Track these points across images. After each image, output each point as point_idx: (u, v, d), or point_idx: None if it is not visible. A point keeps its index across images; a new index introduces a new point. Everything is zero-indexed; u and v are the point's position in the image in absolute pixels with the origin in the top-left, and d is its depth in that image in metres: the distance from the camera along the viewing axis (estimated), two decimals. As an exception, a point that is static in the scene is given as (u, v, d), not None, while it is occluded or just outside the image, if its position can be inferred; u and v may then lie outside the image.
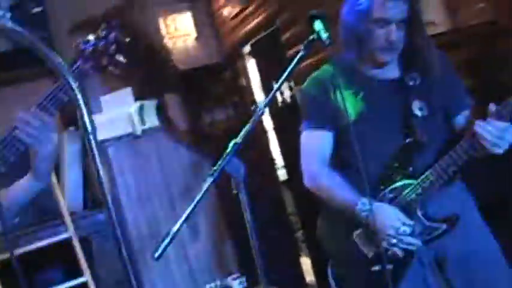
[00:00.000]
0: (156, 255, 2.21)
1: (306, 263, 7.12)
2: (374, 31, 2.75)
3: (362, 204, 2.69)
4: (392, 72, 2.91)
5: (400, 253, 2.72)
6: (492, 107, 2.62)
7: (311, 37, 2.53)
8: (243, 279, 5.08)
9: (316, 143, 2.94)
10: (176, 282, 5.08)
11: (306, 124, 2.99)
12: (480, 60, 3.74)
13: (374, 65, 2.87)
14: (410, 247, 2.72)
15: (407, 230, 2.68)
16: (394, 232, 2.67)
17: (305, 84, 3.03)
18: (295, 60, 2.55)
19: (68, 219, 4.79)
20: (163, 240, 2.23)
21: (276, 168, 7.44)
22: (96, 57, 2.21)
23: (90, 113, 1.53)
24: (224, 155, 2.31)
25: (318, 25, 2.50)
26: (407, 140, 2.81)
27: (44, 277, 4.96)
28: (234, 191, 2.32)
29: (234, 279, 5.07)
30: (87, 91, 4.58)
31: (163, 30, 6.98)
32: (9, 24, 1.59)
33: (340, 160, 2.93)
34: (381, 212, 2.66)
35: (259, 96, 7.23)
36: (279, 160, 7.34)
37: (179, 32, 7.05)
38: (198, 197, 2.28)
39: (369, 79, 2.88)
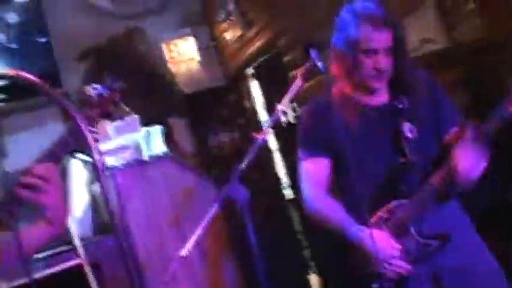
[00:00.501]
0: (166, 279, 2.30)
1: (314, 281, 7.19)
2: (363, 60, 2.86)
3: (353, 231, 2.81)
4: (382, 97, 3.01)
5: (393, 275, 2.82)
6: (469, 131, 2.74)
7: (307, 65, 2.65)
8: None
9: (312, 170, 3.05)
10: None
11: (302, 153, 3.11)
12: (475, 77, 3.82)
13: (365, 91, 2.98)
14: (401, 270, 2.81)
15: (396, 253, 2.79)
16: (384, 257, 2.77)
17: (300, 113, 3.12)
18: (294, 88, 2.66)
19: (78, 245, 4.88)
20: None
21: (282, 187, 7.53)
22: (102, 105, 2.29)
23: (101, 155, 1.62)
24: (228, 181, 2.42)
25: (313, 54, 2.62)
26: (399, 161, 2.90)
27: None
28: (239, 216, 2.42)
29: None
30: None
31: (166, 56, 7.10)
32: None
33: (338, 184, 3.04)
34: (371, 239, 2.75)
35: (263, 116, 7.34)
36: (285, 179, 7.43)
37: (182, 56, 7.16)
38: (204, 222, 2.38)
39: (361, 105, 2.99)
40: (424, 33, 4.00)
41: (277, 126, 6.02)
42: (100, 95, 2.27)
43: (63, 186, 2.19)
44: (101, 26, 6.81)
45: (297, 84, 2.69)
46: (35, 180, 2.06)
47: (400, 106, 2.96)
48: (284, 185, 7.53)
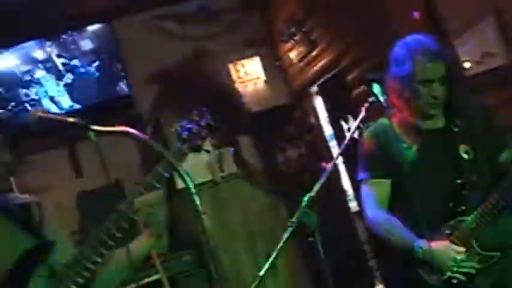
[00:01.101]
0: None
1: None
2: (420, 90, 3.08)
3: (418, 246, 3.03)
4: (439, 121, 3.23)
5: (463, 278, 3.02)
6: None
7: (370, 99, 2.88)
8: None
9: (373, 191, 3.29)
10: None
11: (363, 175, 3.34)
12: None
13: (423, 117, 3.19)
14: (470, 271, 3.03)
15: (463, 257, 3.01)
16: (454, 262, 2.98)
17: (361, 140, 3.36)
18: (358, 119, 2.89)
19: (157, 261, 5.15)
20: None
21: (348, 199, 7.69)
22: (191, 139, 2.54)
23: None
24: (297, 199, 2.67)
25: (376, 88, 2.85)
26: (457, 182, 3.10)
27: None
28: (310, 238, 2.65)
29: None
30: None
31: (233, 76, 7.36)
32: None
33: (398, 203, 3.25)
34: (437, 250, 2.98)
35: (328, 131, 7.52)
36: (350, 192, 7.59)
37: (249, 76, 7.41)
38: (279, 245, 2.62)
39: (420, 130, 3.21)
40: (484, 47, 4.11)
41: (341, 141, 6.15)
42: (190, 131, 2.53)
43: (165, 210, 2.47)
44: (170, 49, 7.09)
45: (362, 115, 2.91)
46: (147, 208, 2.36)
47: (456, 129, 3.16)
48: (349, 197, 7.69)
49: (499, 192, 3.02)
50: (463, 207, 3.10)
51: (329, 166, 2.83)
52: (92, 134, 2.06)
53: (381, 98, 2.84)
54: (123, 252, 2.50)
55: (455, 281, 3.06)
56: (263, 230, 5.39)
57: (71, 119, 2.13)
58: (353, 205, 7.78)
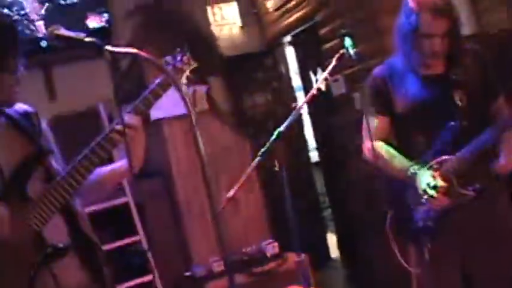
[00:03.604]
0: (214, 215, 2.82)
1: (332, 239, 7.73)
2: (422, 42, 3.35)
3: (412, 169, 3.37)
4: (438, 68, 3.51)
5: (432, 193, 3.32)
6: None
7: (341, 51, 3.18)
8: (275, 244, 5.72)
9: (375, 125, 3.57)
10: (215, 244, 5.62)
11: (368, 109, 3.63)
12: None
13: (424, 66, 3.48)
14: (435, 195, 3.31)
15: (435, 183, 3.30)
16: (427, 187, 3.31)
17: (369, 77, 3.64)
18: (329, 68, 3.19)
19: (126, 185, 5.43)
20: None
21: (309, 150, 8.01)
22: (174, 73, 2.80)
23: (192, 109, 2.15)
24: (270, 140, 2.96)
25: (347, 42, 3.15)
26: (450, 124, 3.39)
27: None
28: (276, 169, 2.95)
29: (268, 244, 5.73)
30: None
31: (210, 18, 7.54)
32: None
33: (396, 141, 3.61)
34: (421, 174, 3.33)
35: (296, 82, 7.80)
36: (311, 142, 7.90)
37: (225, 20, 7.60)
38: (248, 170, 2.91)
39: (419, 75, 3.49)
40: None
41: (308, 92, 6.42)
42: (173, 66, 2.79)
43: (144, 137, 2.72)
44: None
45: (332, 65, 3.22)
46: (127, 129, 2.58)
47: (453, 77, 3.45)
48: (310, 147, 8.01)
49: (485, 136, 3.29)
50: (453, 148, 3.38)
51: (299, 107, 3.12)
52: (106, 54, 2.28)
53: (351, 51, 3.13)
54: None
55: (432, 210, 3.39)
56: (228, 165, 5.67)
57: (87, 39, 2.37)
58: (313, 155, 8.13)
